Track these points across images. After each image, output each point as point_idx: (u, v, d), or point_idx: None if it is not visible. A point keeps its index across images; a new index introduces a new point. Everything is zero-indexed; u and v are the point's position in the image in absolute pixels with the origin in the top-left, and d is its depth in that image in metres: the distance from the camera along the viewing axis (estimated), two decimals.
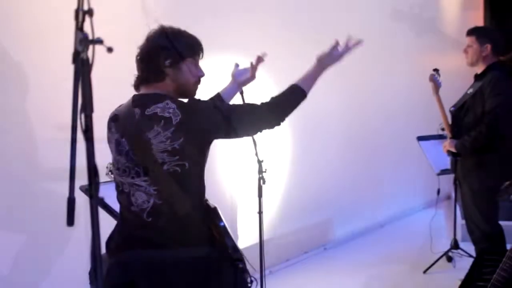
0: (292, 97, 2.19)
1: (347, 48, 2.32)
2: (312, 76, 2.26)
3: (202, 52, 2.13)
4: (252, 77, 2.57)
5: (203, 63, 2.16)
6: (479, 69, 3.74)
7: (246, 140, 3.05)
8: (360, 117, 5.49)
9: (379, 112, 5.81)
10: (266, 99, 2.17)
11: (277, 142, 4.55)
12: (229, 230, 2.06)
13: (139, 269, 1.96)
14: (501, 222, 3.78)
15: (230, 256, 2.03)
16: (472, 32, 3.77)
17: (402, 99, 6.06)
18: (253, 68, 2.54)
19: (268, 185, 4.07)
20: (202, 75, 2.13)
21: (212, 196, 2.24)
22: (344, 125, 5.29)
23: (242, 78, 2.58)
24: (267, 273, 4.48)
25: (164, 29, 2.04)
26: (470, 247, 4.14)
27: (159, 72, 2.01)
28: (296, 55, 4.70)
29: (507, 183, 3.73)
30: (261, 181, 3.30)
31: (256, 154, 3.21)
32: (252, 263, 3.93)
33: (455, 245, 4.63)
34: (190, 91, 2.11)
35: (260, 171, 3.28)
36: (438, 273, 4.46)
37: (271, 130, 2.17)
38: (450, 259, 4.64)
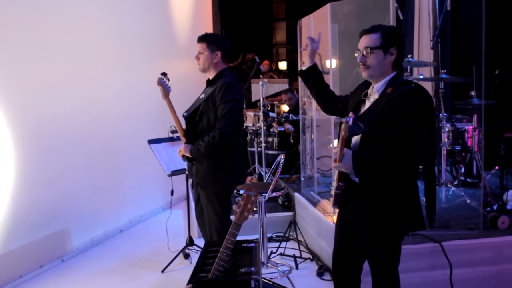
0: None
1: None
2: None
3: None
4: None
5: None
6: (211, 75, 3.85)
7: None
8: (95, 121, 5.38)
9: (116, 116, 5.79)
10: None
11: None
12: None
13: None
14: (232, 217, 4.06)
15: None
16: (203, 39, 3.82)
17: (140, 103, 6.12)
18: None
19: None
20: None
21: None
22: (78, 128, 5.13)
23: None
24: None
25: None
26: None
27: None
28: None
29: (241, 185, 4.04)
30: None
31: None
32: None
33: (190, 242, 4.86)
34: None
35: None
36: (176, 270, 4.63)
37: None
38: (187, 256, 4.85)
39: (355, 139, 2.65)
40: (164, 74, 3.89)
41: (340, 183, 2.67)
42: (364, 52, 2.67)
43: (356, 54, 2.73)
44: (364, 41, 2.69)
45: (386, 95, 2.63)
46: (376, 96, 2.70)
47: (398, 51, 2.68)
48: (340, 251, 2.99)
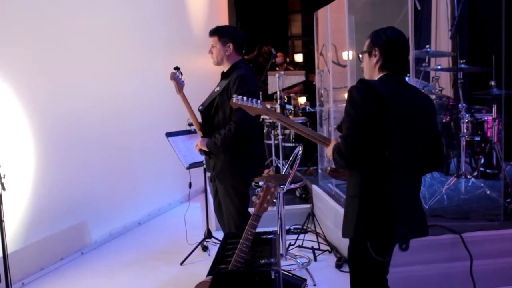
0: None
1: None
2: None
3: None
4: None
5: None
6: (225, 67, 3.83)
7: None
8: (113, 115, 5.41)
9: (134, 110, 5.81)
10: None
11: (17, 144, 4.28)
12: None
13: None
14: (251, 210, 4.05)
15: None
16: (214, 32, 3.81)
17: (157, 97, 6.13)
18: None
19: (10, 191, 3.79)
20: None
21: None
22: (97, 122, 5.17)
23: None
24: (20, 285, 4.21)
25: None
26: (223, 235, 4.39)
27: None
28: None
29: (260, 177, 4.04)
30: (1, 187, 3.01)
31: None
32: None
33: (208, 235, 4.88)
34: None
35: None
36: (195, 262, 4.65)
37: None
38: (205, 248, 4.87)
39: None
40: (177, 68, 3.88)
41: None
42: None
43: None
44: None
45: None
46: None
47: (382, 53, 2.58)
48: None
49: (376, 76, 2.60)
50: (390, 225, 2.43)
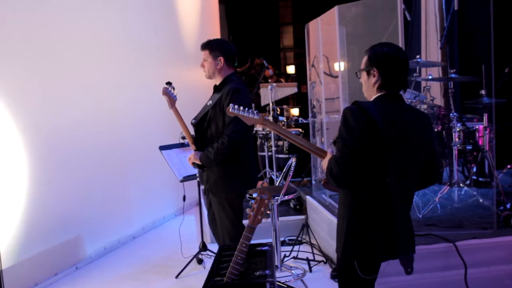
0: None
1: None
2: None
3: None
4: None
5: None
6: (217, 80, 3.85)
7: None
8: (106, 129, 5.42)
9: (128, 124, 5.83)
10: None
11: (10, 159, 4.28)
12: None
13: None
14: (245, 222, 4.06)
15: None
16: (205, 46, 3.83)
17: (151, 110, 6.14)
18: None
19: (3, 206, 3.78)
20: None
21: None
22: (90, 136, 5.17)
23: None
24: None
25: None
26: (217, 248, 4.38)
27: None
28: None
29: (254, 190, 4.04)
30: None
31: None
32: None
33: (203, 247, 4.88)
34: None
35: None
36: (190, 276, 4.64)
37: None
38: (200, 261, 4.87)
39: None
40: (169, 83, 3.87)
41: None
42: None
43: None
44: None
45: None
46: None
47: (380, 73, 2.51)
48: None
49: (374, 95, 2.54)
50: (377, 247, 2.45)
